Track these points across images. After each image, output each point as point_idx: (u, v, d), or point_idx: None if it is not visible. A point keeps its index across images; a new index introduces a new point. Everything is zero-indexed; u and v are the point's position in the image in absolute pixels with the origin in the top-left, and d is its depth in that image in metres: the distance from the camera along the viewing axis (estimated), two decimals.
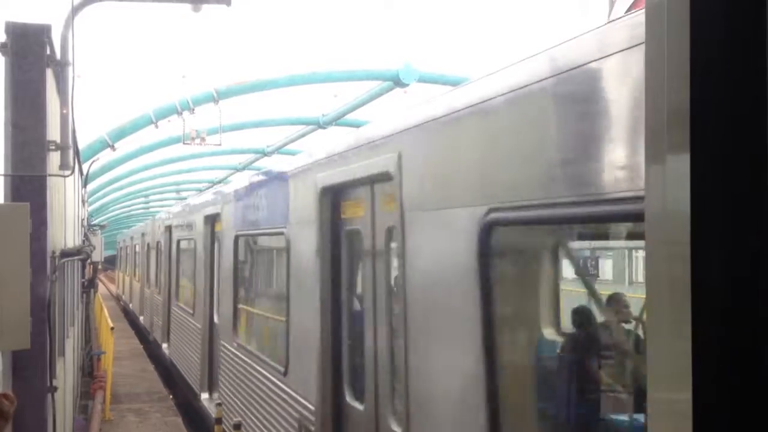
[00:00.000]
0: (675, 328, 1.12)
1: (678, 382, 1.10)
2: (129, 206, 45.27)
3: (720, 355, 1.09)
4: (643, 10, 3.10)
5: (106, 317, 20.23)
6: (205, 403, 12.59)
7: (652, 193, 1.19)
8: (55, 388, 6.85)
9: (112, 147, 19.30)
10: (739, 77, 1.11)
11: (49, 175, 6.97)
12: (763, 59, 1.10)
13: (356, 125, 17.42)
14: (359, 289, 5.93)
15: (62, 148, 7.54)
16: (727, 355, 1.09)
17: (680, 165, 1.12)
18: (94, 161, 19.10)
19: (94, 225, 25.50)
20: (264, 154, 26.77)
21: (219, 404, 10.42)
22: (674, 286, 1.12)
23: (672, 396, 1.13)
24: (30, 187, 6.63)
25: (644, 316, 3.01)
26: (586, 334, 3.71)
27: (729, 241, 1.10)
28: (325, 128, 21.65)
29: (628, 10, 6.16)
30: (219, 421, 10.26)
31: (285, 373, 7.31)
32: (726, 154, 1.11)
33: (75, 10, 7.96)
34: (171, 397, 16.81)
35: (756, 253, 1.10)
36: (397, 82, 17.54)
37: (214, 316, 12.54)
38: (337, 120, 21.20)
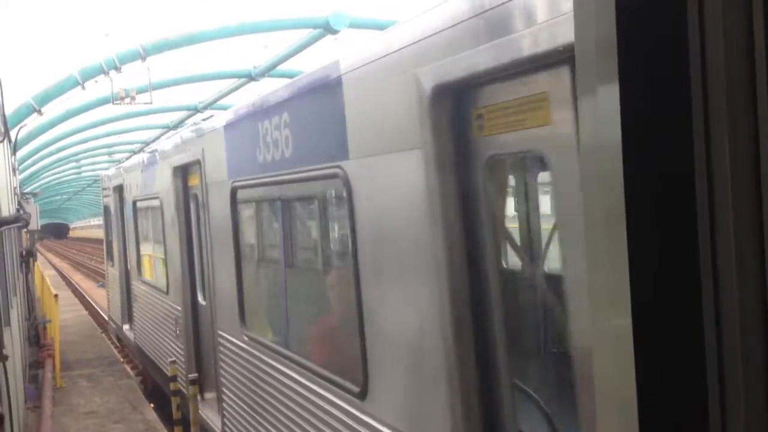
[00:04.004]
0: (612, 258, 1.15)
1: (618, 309, 1.15)
2: (60, 172, 44.11)
3: (657, 281, 1.14)
4: None
5: (48, 286, 19.90)
6: None
7: (585, 125, 1.25)
8: (6, 357, 6.80)
9: (39, 112, 18.68)
10: (661, 7, 1.17)
11: None
12: None
13: (289, 76, 17.23)
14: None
15: None
16: (663, 279, 1.14)
17: (610, 95, 1.14)
18: (21, 128, 18.52)
19: (27, 193, 24.88)
20: (196, 110, 26.28)
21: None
22: (609, 217, 1.15)
23: (613, 322, 1.18)
24: None
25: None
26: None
27: (660, 167, 1.13)
28: (257, 80, 21.32)
29: None
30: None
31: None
32: (654, 79, 1.15)
33: None
34: (122, 361, 16.74)
35: (686, 174, 1.17)
36: (328, 28, 17.33)
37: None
38: (269, 71, 20.89)
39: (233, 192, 7.24)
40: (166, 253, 10.85)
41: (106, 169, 49.30)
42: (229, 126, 7.49)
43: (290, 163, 5.68)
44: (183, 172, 9.69)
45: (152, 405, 12.88)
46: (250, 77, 21.55)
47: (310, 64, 6.72)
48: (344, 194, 4.71)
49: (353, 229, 4.61)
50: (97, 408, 12.48)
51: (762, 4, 1.12)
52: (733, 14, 1.14)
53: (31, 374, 14.83)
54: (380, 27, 15.34)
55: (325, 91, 4.99)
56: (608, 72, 1.17)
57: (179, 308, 10.13)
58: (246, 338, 7.12)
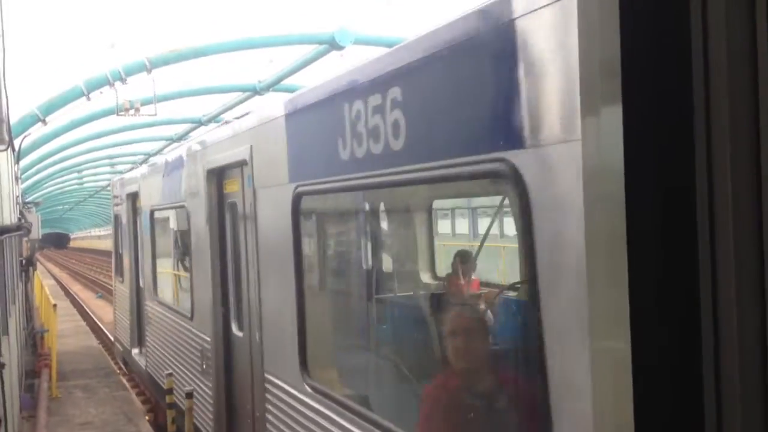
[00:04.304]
0: (612, 278, 1.15)
1: (617, 331, 1.14)
2: (63, 182, 44.24)
3: (656, 303, 1.13)
4: None
5: (47, 295, 19.89)
6: None
7: (588, 145, 1.25)
8: (3, 365, 6.78)
9: (44, 121, 18.79)
10: (665, 28, 1.18)
11: None
12: (687, 12, 1.17)
13: (293, 90, 17.33)
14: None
15: None
16: (662, 303, 1.13)
17: (613, 116, 1.14)
18: (25, 137, 18.60)
19: (29, 202, 24.93)
20: (200, 123, 26.38)
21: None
22: (611, 237, 1.15)
23: (611, 345, 1.18)
24: None
25: None
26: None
27: (662, 188, 1.13)
28: (262, 94, 21.44)
29: None
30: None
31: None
32: (656, 102, 1.17)
33: None
34: (118, 373, 16.70)
35: (687, 198, 1.16)
36: (333, 44, 17.44)
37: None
38: (274, 86, 21.01)
39: (297, 199, 5.54)
40: (191, 272, 9.17)
41: (109, 180, 48.77)
42: (294, 114, 5.73)
43: (400, 159, 4.03)
44: (218, 176, 7.97)
45: (147, 417, 12.83)
46: (255, 91, 21.66)
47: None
48: (510, 200, 3.25)
49: (531, 254, 2.99)
50: (92, 419, 12.43)
51: (766, 33, 1.13)
52: (737, 38, 1.14)
53: (27, 383, 14.79)
54: (385, 44, 15.43)
55: (476, 47, 3.39)
56: (612, 92, 1.17)
57: (207, 338, 8.33)
58: (309, 389, 5.44)
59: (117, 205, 15.70)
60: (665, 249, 1.16)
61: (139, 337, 13.75)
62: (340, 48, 17.38)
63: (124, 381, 15.80)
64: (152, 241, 12.05)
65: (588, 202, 1.26)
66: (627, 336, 1.13)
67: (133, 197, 13.75)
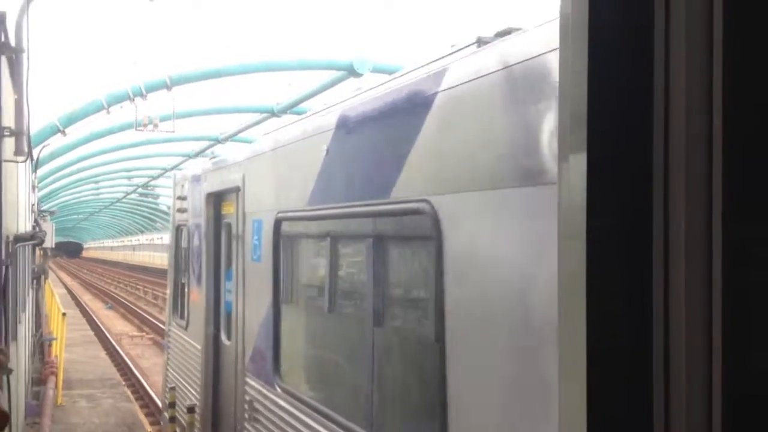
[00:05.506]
0: (578, 314, 1.24)
1: (575, 382, 1.24)
2: (78, 192, 44.64)
3: (610, 340, 1.22)
4: None
5: (57, 304, 20.06)
6: None
7: (563, 189, 1.39)
8: (11, 370, 6.92)
9: (63, 132, 19.11)
10: (628, 88, 1.32)
11: (4, 161, 7.02)
12: (650, 76, 1.32)
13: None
14: None
15: (17, 134, 7.59)
16: (618, 341, 1.22)
17: (579, 162, 1.29)
18: (44, 146, 18.91)
19: (44, 211, 25.22)
20: (218, 141, 26.66)
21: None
22: (577, 274, 1.26)
23: (571, 386, 1.28)
24: None
25: None
26: None
27: (623, 232, 1.25)
28: (279, 116, 21.67)
29: None
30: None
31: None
32: (617, 153, 1.29)
33: None
34: (123, 383, 16.81)
35: (647, 243, 1.29)
36: (351, 71, 17.68)
37: None
38: (291, 108, 21.24)
39: None
40: (446, 368, 3.77)
41: (125, 192, 48.44)
42: None
43: None
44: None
45: (150, 430, 12.91)
46: (272, 113, 21.90)
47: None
48: None
49: None
50: (95, 429, 12.54)
51: (721, 89, 1.26)
52: (697, 99, 1.27)
53: (34, 390, 14.92)
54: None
55: None
56: (579, 143, 1.32)
57: None
58: None
59: (182, 211, 10.74)
60: (622, 286, 1.28)
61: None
62: (358, 75, 17.61)
63: (129, 393, 15.92)
64: (275, 273, 6.96)
65: (561, 239, 1.40)
66: (583, 384, 1.24)
67: (218, 198, 9.13)
